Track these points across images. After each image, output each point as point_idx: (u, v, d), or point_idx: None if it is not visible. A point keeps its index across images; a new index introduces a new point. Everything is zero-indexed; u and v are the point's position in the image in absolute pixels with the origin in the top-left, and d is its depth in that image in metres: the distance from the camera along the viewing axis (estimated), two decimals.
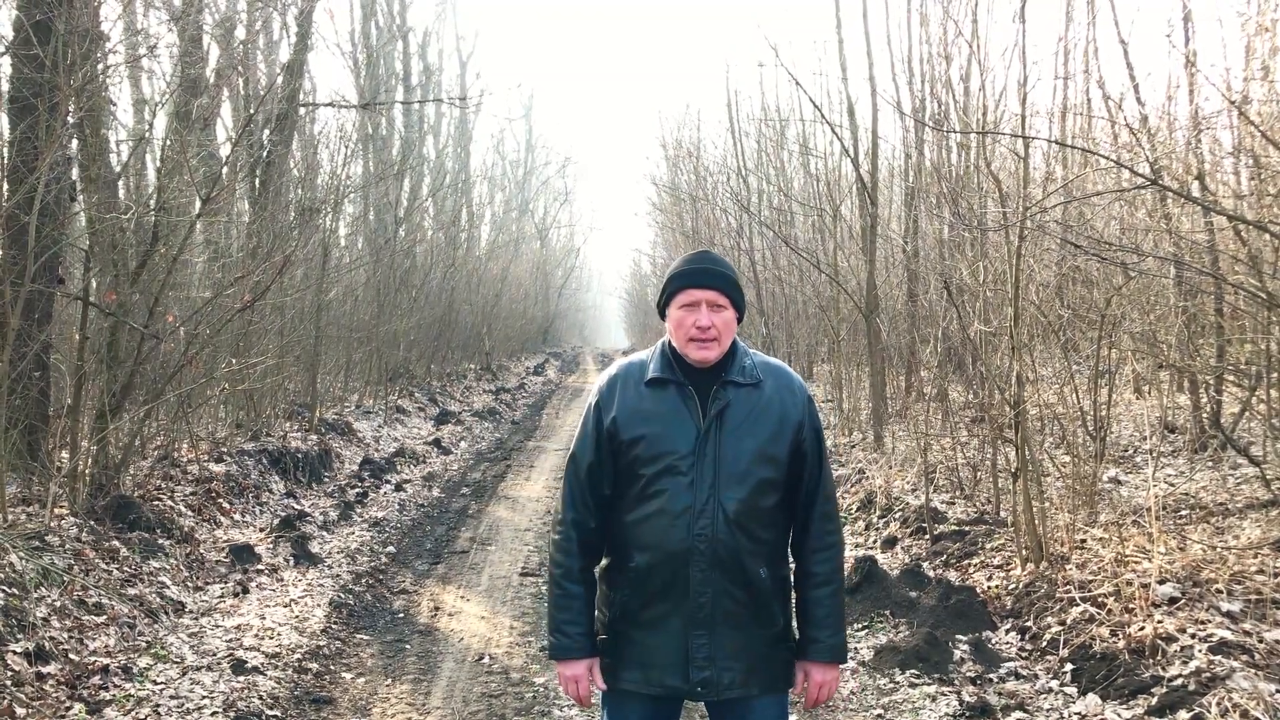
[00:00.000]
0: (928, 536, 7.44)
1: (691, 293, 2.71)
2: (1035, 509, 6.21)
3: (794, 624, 2.84)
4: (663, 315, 2.82)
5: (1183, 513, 6.68)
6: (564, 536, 2.80)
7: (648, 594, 2.70)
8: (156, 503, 7.76)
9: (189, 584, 6.85)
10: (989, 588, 6.28)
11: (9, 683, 4.65)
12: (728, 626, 2.68)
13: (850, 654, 5.77)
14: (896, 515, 8.20)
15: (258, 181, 13.29)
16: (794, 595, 2.83)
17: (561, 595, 2.79)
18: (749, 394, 2.72)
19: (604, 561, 2.85)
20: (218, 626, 6.11)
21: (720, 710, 2.78)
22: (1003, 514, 7.42)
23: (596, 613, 2.84)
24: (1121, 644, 4.90)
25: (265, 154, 13.08)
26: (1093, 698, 4.69)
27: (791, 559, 2.85)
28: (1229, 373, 7.70)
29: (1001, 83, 11.98)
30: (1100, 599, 5.38)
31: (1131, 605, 5.14)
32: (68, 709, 4.70)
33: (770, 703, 2.76)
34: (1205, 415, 8.30)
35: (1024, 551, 6.33)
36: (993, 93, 10.05)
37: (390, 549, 8.53)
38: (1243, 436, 7.91)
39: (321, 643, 6.01)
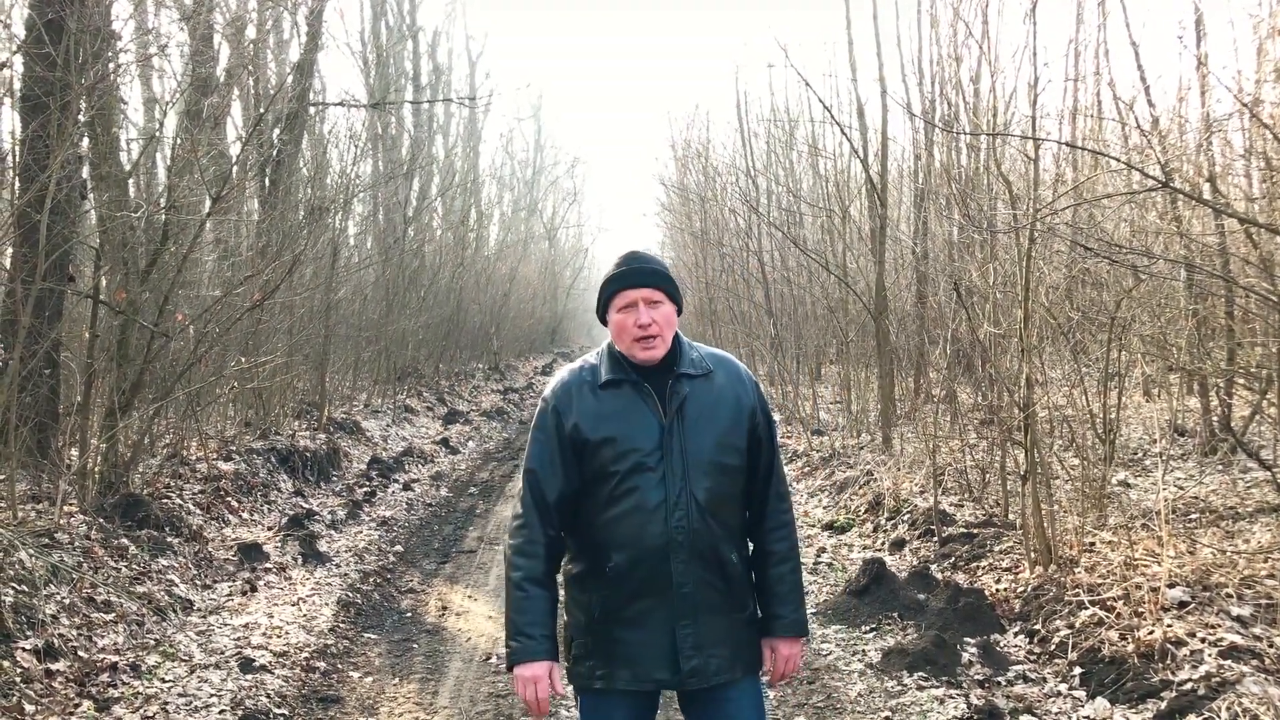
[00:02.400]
0: (936, 539, 7.42)
1: (627, 294, 2.75)
2: (1044, 512, 6.20)
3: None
4: (604, 321, 2.85)
5: (1192, 516, 6.65)
6: (526, 540, 2.76)
7: (628, 591, 2.72)
8: (165, 501, 7.78)
9: (197, 582, 6.87)
10: (997, 590, 6.26)
11: (18, 680, 4.66)
12: (709, 614, 2.72)
13: (858, 656, 5.76)
14: (905, 517, 8.18)
15: (267, 180, 13.32)
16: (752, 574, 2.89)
17: (524, 598, 2.74)
18: (703, 384, 2.78)
19: (572, 567, 2.85)
20: (226, 625, 6.12)
21: (698, 698, 2.79)
22: (1011, 517, 7.40)
23: (567, 618, 2.86)
24: (1130, 648, 4.88)
25: (275, 153, 13.11)
26: (1101, 701, 4.67)
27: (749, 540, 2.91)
28: (1240, 376, 7.67)
29: (1012, 84, 12.00)
30: (1109, 602, 5.36)
31: (1141, 609, 5.12)
32: (76, 706, 4.72)
33: (747, 685, 2.82)
34: (1216, 418, 8.28)
35: (1033, 554, 6.31)
36: (1003, 94, 10.01)
37: (398, 548, 8.54)
38: (1253, 440, 7.88)
39: (329, 641, 6.02)
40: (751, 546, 2.90)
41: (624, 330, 2.75)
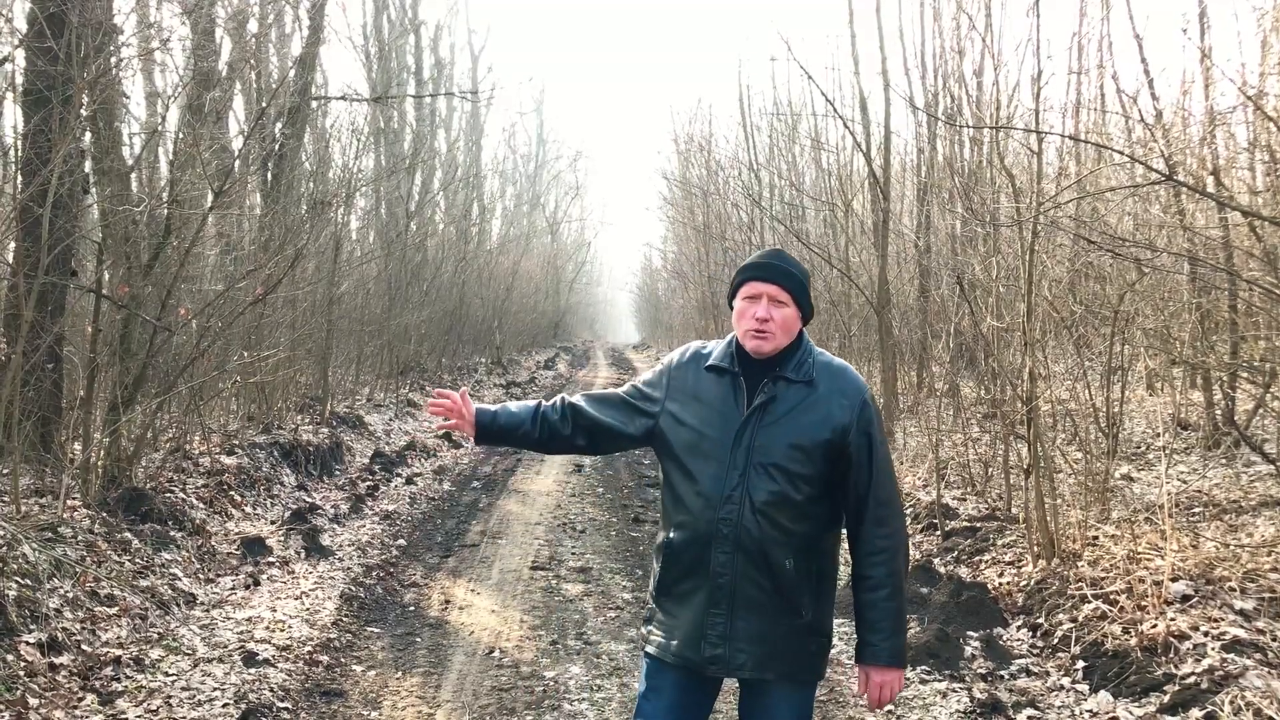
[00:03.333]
0: (939, 533, 7.42)
1: (756, 285, 2.83)
2: (1047, 505, 6.19)
3: (830, 620, 2.91)
4: (731, 305, 2.93)
5: (1196, 510, 6.65)
6: (571, 399, 3.03)
7: (680, 568, 2.82)
8: (168, 495, 7.79)
9: (200, 576, 6.88)
10: (1000, 584, 6.26)
11: (22, 673, 4.67)
12: (747, 610, 2.75)
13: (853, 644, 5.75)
14: (908, 511, 8.19)
15: (270, 175, 13.32)
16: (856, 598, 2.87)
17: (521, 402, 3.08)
18: (798, 390, 2.80)
19: (659, 533, 2.97)
20: (229, 618, 6.13)
21: (746, 691, 2.89)
22: (1014, 510, 7.40)
23: (650, 578, 2.99)
24: (1134, 641, 4.88)
25: (277, 147, 13.10)
26: (1104, 695, 4.67)
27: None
28: (1243, 369, 7.66)
29: (1015, 77, 11.99)
30: (1112, 596, 5.36)
31: (1144, 603, 5.12)
32: (80, 700, 4.72)
33: (790, 691, 2.83)
34: (1219, 412, 8.27)
35: (1035, 548, 6.31)
36: (1006, 87, 10.00)
37: (401, 542, 8.55)
38: (1257, 433, 7.87)
39: (332, 635, 6.02)
40: (850, 569, 2.89)
41: (742, 317, 2.84)
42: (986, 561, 6.75)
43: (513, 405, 3.04)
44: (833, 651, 5.73)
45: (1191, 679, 4.44)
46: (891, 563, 2.79)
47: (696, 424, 2.82)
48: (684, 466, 2.82)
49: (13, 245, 7.45)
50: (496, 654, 5.82)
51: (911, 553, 7.44)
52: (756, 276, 2.83)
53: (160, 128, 10.37)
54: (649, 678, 2.92)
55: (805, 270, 2.94)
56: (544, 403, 3.03)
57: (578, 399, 3.03)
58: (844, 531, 2.92)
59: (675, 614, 2.84)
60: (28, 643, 4.93)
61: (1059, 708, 4.72)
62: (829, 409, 2.77)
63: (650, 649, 2.91)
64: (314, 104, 15.43)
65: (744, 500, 2.72)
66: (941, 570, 6.72)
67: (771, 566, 2.73)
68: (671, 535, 2.84)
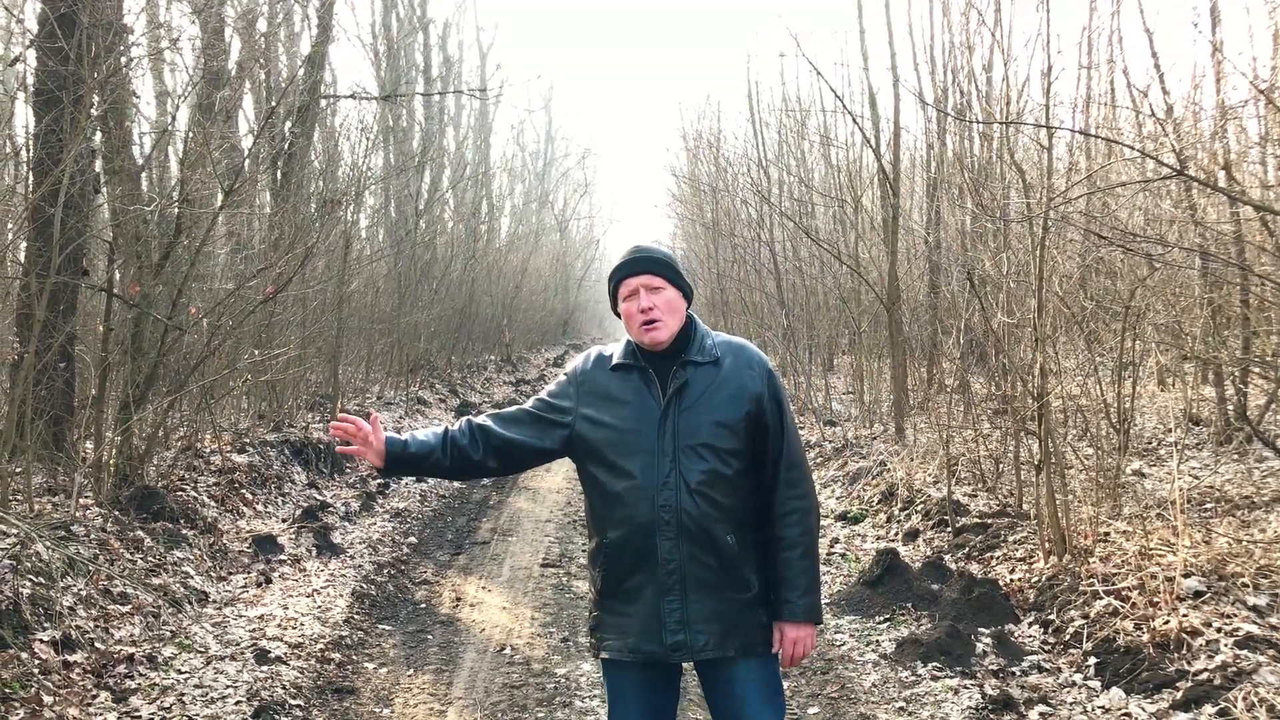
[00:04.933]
0: (950, 529, 7.41)
1: (629, 281, 2.90)
2: (1058, 501, 6.18)
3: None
4: (617, 314, 2.99)
5: (1208, 506, 6.63)
6: (477, 421, 3.02)
7: (623, 567, 2.86)
8: (180, 493, 7.82)
9: (212, 574, 6.90)
10: (1011, 581, 6.25)
11: (37, 671, 4.70)
12: (699, 591, 2.81)
13: (872, 646, 5.76)
14: (918, 508, 8.17)
15: (279, 173, 13.34)
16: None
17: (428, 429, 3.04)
18: (707, 371, 2.88)
19: (588, 544, 3.03)
20: (241, 616, 6.15)
21: (707, 673, 2.93)
22: (1025, 507, 7.38)
23: (588, 588, 3.01)
24: (1146, 638, 4.87)
25: (287, 146, 13.12)
26: (1116, 691, 4.66)
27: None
28: (1255, 365, 7.63)
29: (1024, 72, 11.92)
30: (1124, 592, 5.34)
31: (1156, 599, 5.10)
32: (94, 697, 4.75)
33: (752, 665, 2.87)
34: (1231, 407, 8.23)
35: (1047, 544, 6.29)
36: (1016, 82, 9.94)
37: (412, 539, 8.57)
38: (1269, 429, 7.84)
39: (344, 633, 6.04)
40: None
41: (630, 318, 2.91)
42: (998, 558, 6.73)
43: (421, 433, 3.01)
44: (841, 649, 5.74)
45: (1204, 675, 4.42)
46: (804, 522, 2.88)
47: (616, 422, 2.87)
48: (611, 465, 2.86)
49: (25, 245, 7.48)
50: (508, 651, 5.83)
51: (920, 548, 7.44)
52: (626, 274, 2.90)
53: (170, 127, 10.40)
54: (611, 685, 2.97)
55: (669, 251, 3.01)
56: (451, 428, 3.01)
57: (484, 420, 3.02)
58: None
59: (626, 611, 2.88)
60: (42, 641, 4.95)
61: (1071, 704, 4.71)
62: (740, 382, 2.86)
63: (606, 654, 2.93)
64: (323, 102, 15.44)
65: (679, 484, 2.79)
66: (952, 567, 6.71)
67: (715, 544, 2.80)
68: (609, 536, 2.87)
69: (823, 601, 6.13)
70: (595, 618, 2.98)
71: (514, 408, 3.07)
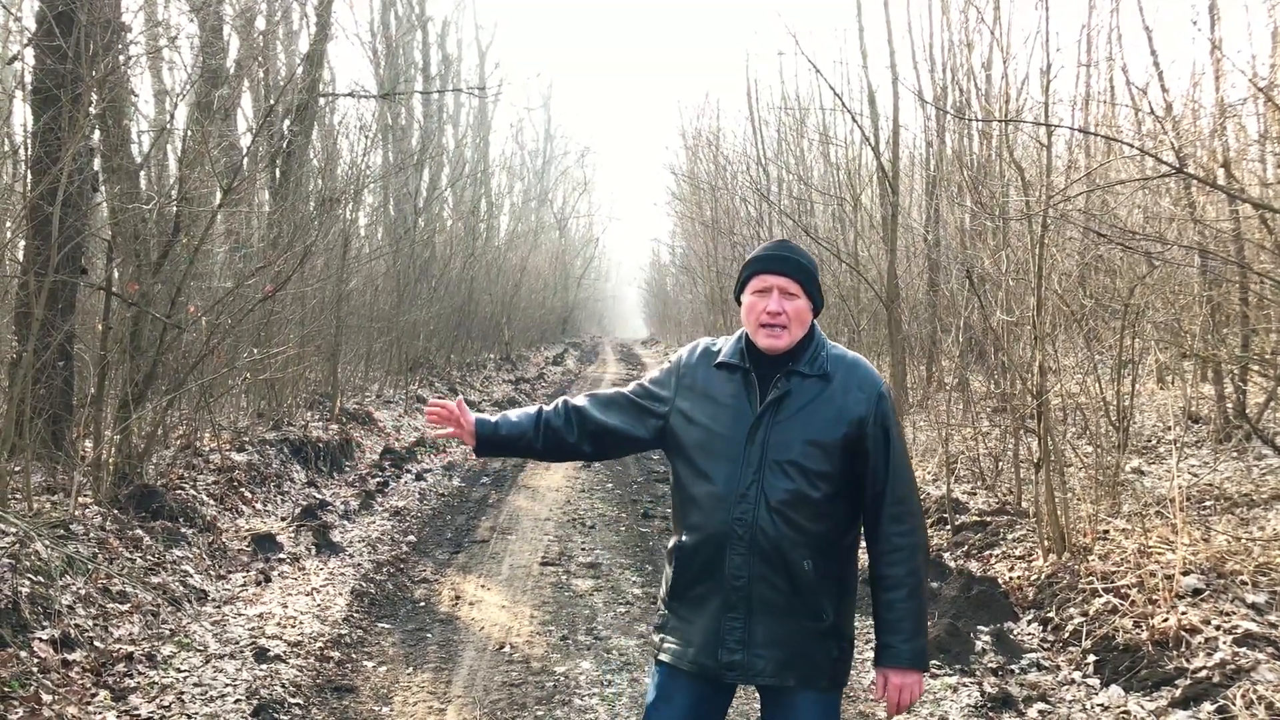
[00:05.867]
0: (949, 527, 7.41)
1: (765, 278, 2.73)
2: (1057, 499, 6.18)
3: (852, 623, 2.81)
4: (738, 301, 2.83)
5: (1207, 503, 6.63)
6: (574, 401, 2.94)
7: (692, 572, 2.74)
8: (179, 492, 7.82)
9: (211, 572, 6.90)
10: (1011, 579, 6.25)
11: (36, 669, 4.69)
12: (765, 614, 2.67)
13: (870, 644, 5.75)
14: None
15: (278, 172, 13.33)
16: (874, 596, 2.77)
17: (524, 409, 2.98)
18: (812, 385, 2.71)
19: (668, 539, 2.90)
20: (240, 615, 6.15)
21: (767, 698, 2.78)
22: (1024, 505, 7.38)
23: (662, 583, 2.91)
24: (1145, 636, 4.87)
25: (285, 144, 13.11)
26: (1115, 689, 4.66)
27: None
28: (1254, 362, 7.63)
29: (1024, 70, 11.89)
30: (1123, 590, 5.35)
31: (1155, 597, 5.10)
32: (93, 696, 4.74)
33: (814, 698, 2.73)
34: (1230, 405, 8.24)
35: (1046, 542, 6.30)
36: (1015, 80, 9.95)
37: (411, 538, 8.56)
38: (1268, 427, 7.84)
39: (343, 631, 6.04)
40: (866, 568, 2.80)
41: (752, 312, 2.75)
42: (997, 556, 6.74)
43: (513, 414, 2.94)
44: None
45: (1203, 673, 4.43)
46: (910, 561, 2.69)
47: (708, 422, 2.74)
48: (696, 466, 2.73)
49: (23, 243, 7.47)
50: (507, 649, 5.83)
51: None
52: (765, 269, 2.74)
53: (169, 125, 10.40)
54: (660, 685, 2.82)
55: (814, 260, 2.86)
56: (545, 409, 2.93)
57: (581, 401, 2.93)
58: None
59: (690, 619, 2.75)
60: (41, 639, 4.95)
61: (1070, 702, 4.71)
62: (845, 403, 2.68)
63: (664, 657, 2.81)
64: (322, 101, 15.44)
65: (759, 499, 2.63)
66: (952, 565, 6.71)
67: (790, 567, 2.64)
68: (684, 538, 2.76)
69: None
70: (663, 617, 2.86)
71: (613, 389, 2.96)
